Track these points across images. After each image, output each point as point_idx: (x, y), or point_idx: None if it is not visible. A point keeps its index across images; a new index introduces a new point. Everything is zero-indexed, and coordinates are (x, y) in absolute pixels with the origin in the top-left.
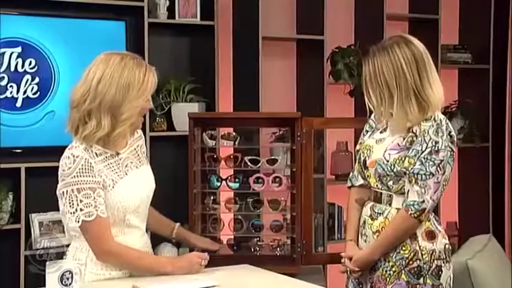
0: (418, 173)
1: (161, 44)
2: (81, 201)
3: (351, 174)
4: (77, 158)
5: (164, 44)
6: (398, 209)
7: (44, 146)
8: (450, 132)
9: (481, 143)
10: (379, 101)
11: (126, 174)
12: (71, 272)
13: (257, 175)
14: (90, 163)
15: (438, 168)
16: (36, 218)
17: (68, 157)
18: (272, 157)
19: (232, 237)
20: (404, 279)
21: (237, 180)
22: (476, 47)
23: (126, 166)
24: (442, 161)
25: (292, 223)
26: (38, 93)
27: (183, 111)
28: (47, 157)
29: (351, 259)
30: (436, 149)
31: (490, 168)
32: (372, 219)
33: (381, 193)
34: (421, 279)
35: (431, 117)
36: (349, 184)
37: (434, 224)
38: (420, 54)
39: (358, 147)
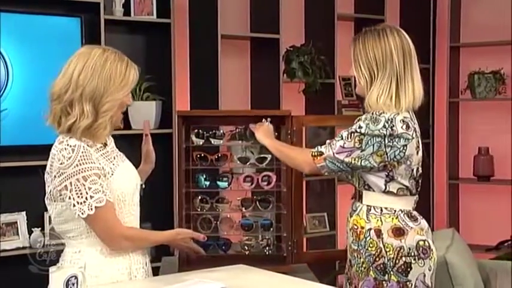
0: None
1: (117, 42)
2: (89, 188)
3: None
4: (75, 147)
5: (120, 41)
6: (368, 206)
7: None
8: (393, 127)
9: (424, 139)
10: (367, 80)
11: (119, 164)
12: (76, 277)
13: (246, 174)
14: (89, 150)
15: (349, 136)
16: None
17: (65, 148)
18: (261, 155)
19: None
20: (372, 276)
21: (225, 179)
22: (418, 47)
23: (115, 158)
24: (360, 135)
25: (277, 221)
26: None
27: (139, 110)
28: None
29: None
30: (358, 126)
31: (430, 164)
32: (350, 216)
33: (355, 190)
34: (386, 275)
35: (373, 112)
36: None
37: (403, 221)
38: (409, 47)
39: None
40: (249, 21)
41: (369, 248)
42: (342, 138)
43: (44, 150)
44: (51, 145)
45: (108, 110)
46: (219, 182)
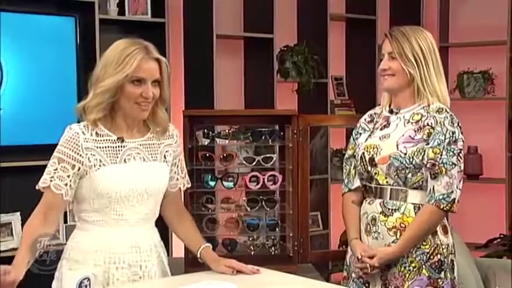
0: (446, 163)
1: (111, 41)
2: (46, 166)
3: (346, 180)
4: (70, 130)
5: (114, 41)
6: (414, 204)
7: None
8: (459, 123)
9: None
10: (415, 68)
11: (125, 162)
12: (89, 279)
13: (252, 174)
14: (78, 137)
15: (459, 158)
16: None
17: (66, 129)
18: (267, 155)
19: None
20: (426, 275)
21: (230, 179)
22: None
23: (128, 155)
24: (461, 150)
25: (282, 221)
26: None
27: None
28: None
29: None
30: (454, 139)
31: None
32: (385, 215)
33: (392, 189)
34: (442, 273)
35: (442, 109)
36: (345, 190)
37: (445, 219)
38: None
39: (351, 151)
40: (243, 21)
41: (422, 246)
42: (456, 165)
43: (38, 150)
44: (46, 145)
45: (97, 94)
46: (224, 182)
